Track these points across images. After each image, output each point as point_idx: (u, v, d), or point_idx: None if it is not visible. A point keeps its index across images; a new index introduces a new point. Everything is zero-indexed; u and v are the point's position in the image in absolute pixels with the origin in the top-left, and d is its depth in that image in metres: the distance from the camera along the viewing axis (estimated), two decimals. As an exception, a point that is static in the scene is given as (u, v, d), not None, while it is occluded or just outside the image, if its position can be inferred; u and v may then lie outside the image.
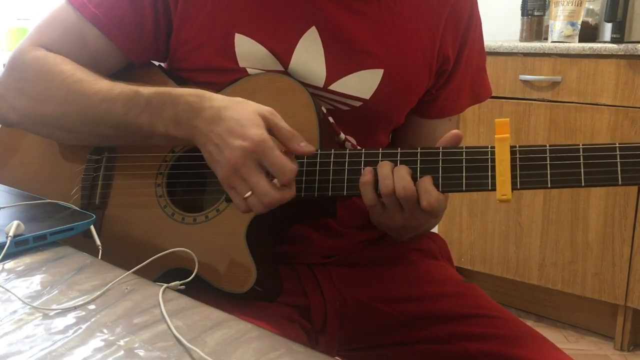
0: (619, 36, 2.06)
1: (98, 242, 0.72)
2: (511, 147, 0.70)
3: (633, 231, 2.08)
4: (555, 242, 2.24)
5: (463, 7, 0.92)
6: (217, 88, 0.84)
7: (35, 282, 0.60)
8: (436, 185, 0.72)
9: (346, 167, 0.76)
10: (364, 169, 0.75)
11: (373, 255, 0.97)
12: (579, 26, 2.19)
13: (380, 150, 0.76)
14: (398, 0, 0.87)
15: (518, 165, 0.70)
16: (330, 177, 0.76)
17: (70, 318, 0.54)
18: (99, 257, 0.68)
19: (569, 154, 0.68)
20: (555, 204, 2.22)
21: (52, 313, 0.55)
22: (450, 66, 0.93)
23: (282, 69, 0.85)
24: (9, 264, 0.64)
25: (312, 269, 0.93)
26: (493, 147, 0.71)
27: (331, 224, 0.92)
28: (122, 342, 0.50)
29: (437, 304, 0.91)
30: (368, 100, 0.87)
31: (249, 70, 0.85)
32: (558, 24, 2.22)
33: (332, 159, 0.76)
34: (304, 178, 0.76)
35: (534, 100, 2.22)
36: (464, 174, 0.72)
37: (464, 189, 0.72)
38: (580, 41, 2.18)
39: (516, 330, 0.87)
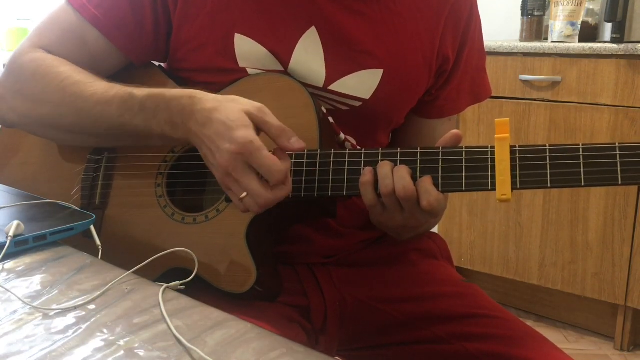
0: (619, 36, 2.06)
1: (98, 242, 0.72)
2: (511, 147, 0.70)
3: (633, 231, 2.08)
4: (555, 242, 2.24)
5: (463, 7, 0.92)
6: (217, 88, 0.84)
7: (35, 282, 0.60)
8: (436, 185, 0.72)
9: (346, 167, 0.76)
10: (363, 169, 0.75)
11: (373, 255, 0.97)
12: (579, 26, 2.20)
13: (380, 150, 0.76)
14: (398, 1, 0.87)
15: (518, 165, 0.70)
16: (330, 177, 0.76)
17: (70, 318, 0.54)
18: (99, 257, 0.68)
19: (568, 153, 0.68)
20: (555, 204, 2.22)
21: (52, 313, 0.55)
22: (450, 66, 0.93)
23: (282, 69, 0.85)
24: (9, 264, 0.64)
25: (312, 269, 0.93)
26: (493, 147, 0.71)
27: (331, 224, 0.92)
28: (122, 342, 0.50)
29: (437, 304, 0.91)
30: (368, 100, 0.87)
31: (249, 71, 0.85)
32: (558, 24, 2.22)
33: (332, 159, 0.76)
34: (303, 178, 0.76)
35: (534, 100, 2.22)
36: (463, 174, 0.72)
37: (463, 188, 0.72)
38: (580, 41, 2.18)
39: (516, 330, 0.87)
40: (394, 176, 0.73)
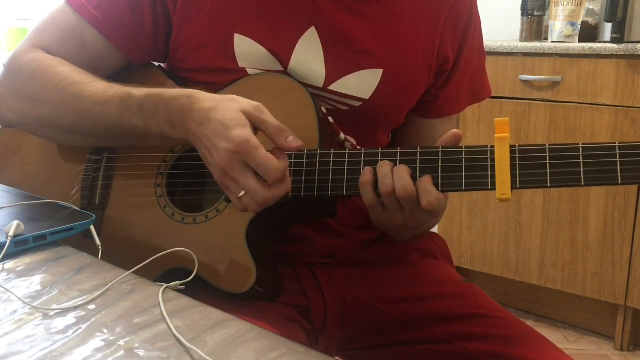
0: (619, 36, 2.06)
1: (98, 242, 0.72)
2: (511, 146, 0.70)
3: (633, 231, 2.08)
4: (555, 242, 2.24)
5: (462, 7, 0.92)
6: (217, 88, 0.84)
7: (35, 282, 0.60)
8: (436, 184, 0.72)
9: (346, 167, 0.76)
10: (363, 168, 0.75)
11: (373, 255, 0.97)
12: (579, 26, 2.20)
13: (380, 150, 0.75)
14: (398, 1, 0.87)
15: (518, 165, 0.70)
16: (330, 177, 0.76)
17: (70, 318, 0.54)
18: (99, 257, 0.68)
19: (568, 153, 0.68)
20: (555, 204, 2.22)
21: (52, 313, 0.55)
22: (449, 66, 0.93)
23: (282, 69, 0.85)
24: (9, 264, 0.64)
25: (312, 268, 0.93)
26: (493, 147, 0.71)
27: (331, 224, 0.92)
28: (122, 342, 0.50)
29: (437, 304, 0.91)
30: (368, 100, 0.87)
31: (249, 71, 0.85)
32: (558, 24, 2.22)
33: (331, 159, 0.76)
34: (303, 178, 0.76)
35: (534, 100, 2.22)
36: (463, 174, 0.72)
37: (463, 188, 0.72)
38: (580, 41, 2.18)
39: (516, 330, 0.87)
40: (394, 176, 0.73)
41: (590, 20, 2.27)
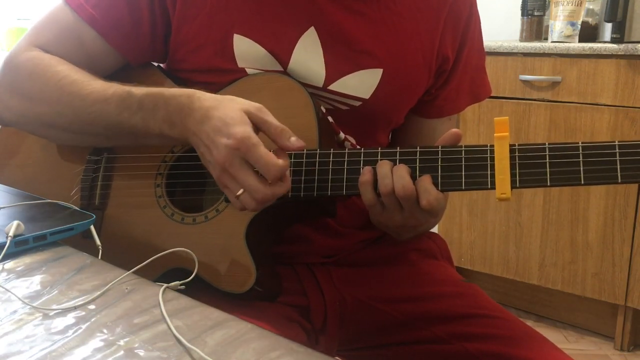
0: (619, 36, 2.06)
1: (98, 242, 0.72)
2: (510, 145, 0.70)
3: (633, 231, 2.08)
4: (555, 242, 2.24)
5: (462, 7, 0.92)
6: (216, 88, 0.84)
7: (35, 282, 0.60)
8: (435, 184, 0.72)
9: (345, 167, 0.76)
10: (363, 168, 0.75)
11: (373, 255, 0.97)
12: (579, 26, 2.20)
13: (380, 150, 0.75)
14: (398, 1, 0.87)
15: (517, 164, 0.69)
16: (330, 177, 0.76)
17: (70, 318, 0.54)
18: (99, 257, 0.68)
19: (568, 152, 0.68)
20: (555, 204, 2.22)
21: (52, 313, 0.55)
22: (449, 66, 0.93)
23: (281, 69, 0.85)
24: (9, 264, 0.64)
25: (312, 268, 0.93)
26: (492, 146, 0.71)
27: (331, 224, 0.92)
28: (122, 342, 0.50)
29: (437, 304, 0.91)
30: (367, 100, 0.87)
31: (248, 71, 0.85)
32: (558, 24, 2.22)
33: (331, 159, 0.76)
34: (303, 178, 0.76)
35: (534, 100, 2.22)
36: (463, 173, 0.72)
37: (463, 187, 0.72)
38: (580, 41, 2.18)
39: (516, 330, 0.87)
40: (393, 175, 0.73)
41: (590, 20, 2.27)
